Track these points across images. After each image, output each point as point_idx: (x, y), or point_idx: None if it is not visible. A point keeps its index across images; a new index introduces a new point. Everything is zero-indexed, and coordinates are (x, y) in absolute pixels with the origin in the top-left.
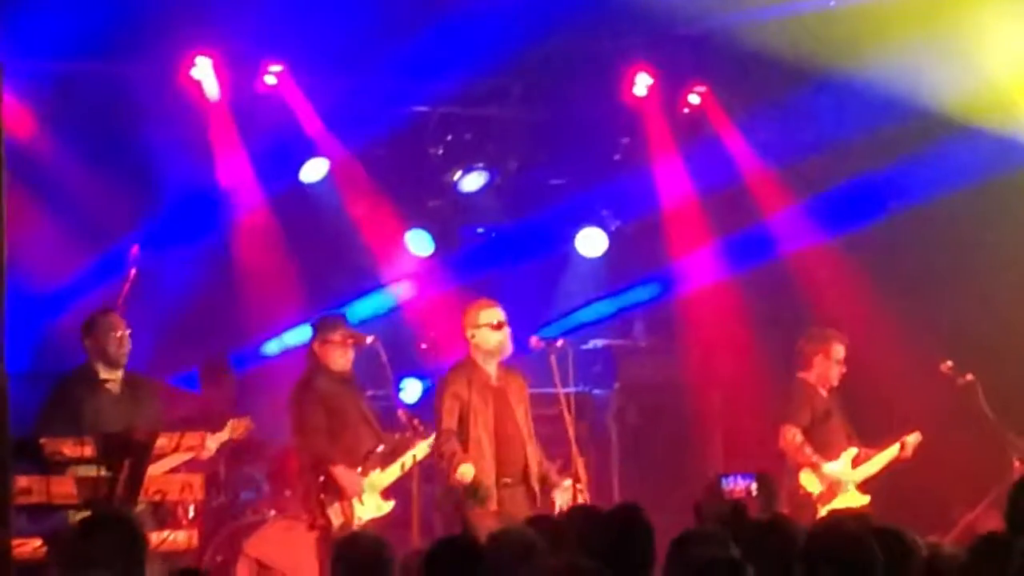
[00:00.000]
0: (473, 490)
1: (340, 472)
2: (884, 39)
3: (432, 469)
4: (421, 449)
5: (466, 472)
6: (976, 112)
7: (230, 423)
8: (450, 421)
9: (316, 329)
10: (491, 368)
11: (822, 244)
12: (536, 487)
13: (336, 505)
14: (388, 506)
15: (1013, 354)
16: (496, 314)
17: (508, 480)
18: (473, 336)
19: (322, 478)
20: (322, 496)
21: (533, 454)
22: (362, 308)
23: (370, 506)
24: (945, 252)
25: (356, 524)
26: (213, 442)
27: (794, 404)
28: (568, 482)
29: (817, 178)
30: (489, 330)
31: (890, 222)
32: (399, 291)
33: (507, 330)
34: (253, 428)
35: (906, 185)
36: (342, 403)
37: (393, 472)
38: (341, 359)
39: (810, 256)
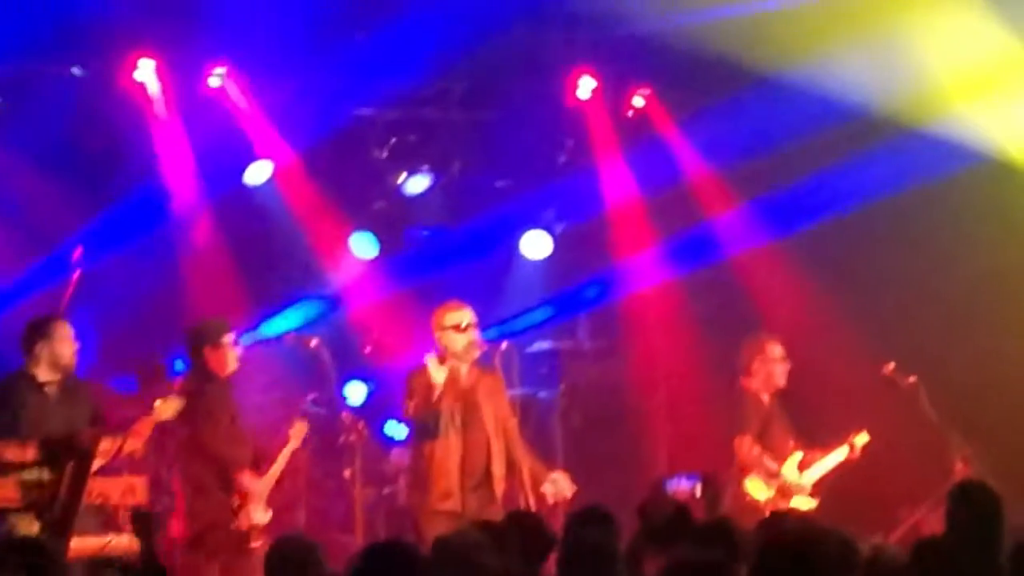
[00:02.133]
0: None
1: (246, 479)
2: (825, 41)
3: (374, 472)
4: (295, 439)
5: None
6: (916, 113)
7: (157, 404)
8: (420, 400)
9: (204, 335)
10: (460, 368)
11: (766, 246)
12: (499, 490)
13: (243, 512)
14: (268, 516)
15: (956, 355)
16: (461, 316)
17: (471, 482)
18: (440, 338)
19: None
20: (235, 502)
21: (500, 456)
22: (305, 310)
23: (259, 512)
24: (888, 253)
25: (253, 530)
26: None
27: (742, 414)
28: (556, 475)
29: (761, 180)
30: (454, 332)
31: (833, 224)
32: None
33: (474, 332)
34: (180, 406)
35: (849, 187)
36: (231, 411)
37: (270, 482)
38: (233, 363)
39: (754, 258)
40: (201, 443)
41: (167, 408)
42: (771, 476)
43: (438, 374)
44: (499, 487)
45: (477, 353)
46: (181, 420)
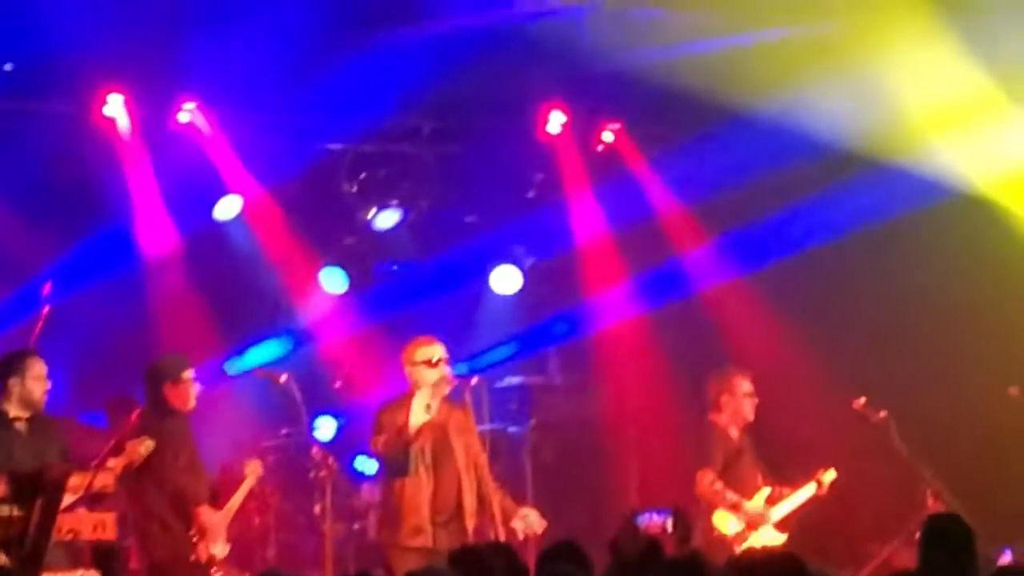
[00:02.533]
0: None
1: (205, 512)
2: (797, 76)
3: (344, 508)
4: (252, 476)
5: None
6: (888, 148)
7: (128, 445)
8: (390, 435)
9: (164, 371)
10: (431, 404)
11: (735, 281)
12: (470, 525)
13: (201, 545)
14: (227, 549)
15: (927, 390)
16: (432, 351)
17: (442, 517)
18: (411, 373)
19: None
20: (193, 535)
21: (471, 490)
22: (275, 346)
23: (219, 546)
24: (858, 288)
25: (212, 562)
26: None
27: (707, 448)
28: (526, 510)
29: (730, 215)
30: (426, 367)
31: (803, 258)
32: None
33: (445, 367)
34: (152, 447)
35: (819, 221)
36: (188, 445)
37: (228, 515)
38: (193, 399)
39: (724, 293)
40: (160, 477)
41: (140, 448)
42: (735, 510)
43: (417, 416)
44: (470, 522)
45: (448, 388)
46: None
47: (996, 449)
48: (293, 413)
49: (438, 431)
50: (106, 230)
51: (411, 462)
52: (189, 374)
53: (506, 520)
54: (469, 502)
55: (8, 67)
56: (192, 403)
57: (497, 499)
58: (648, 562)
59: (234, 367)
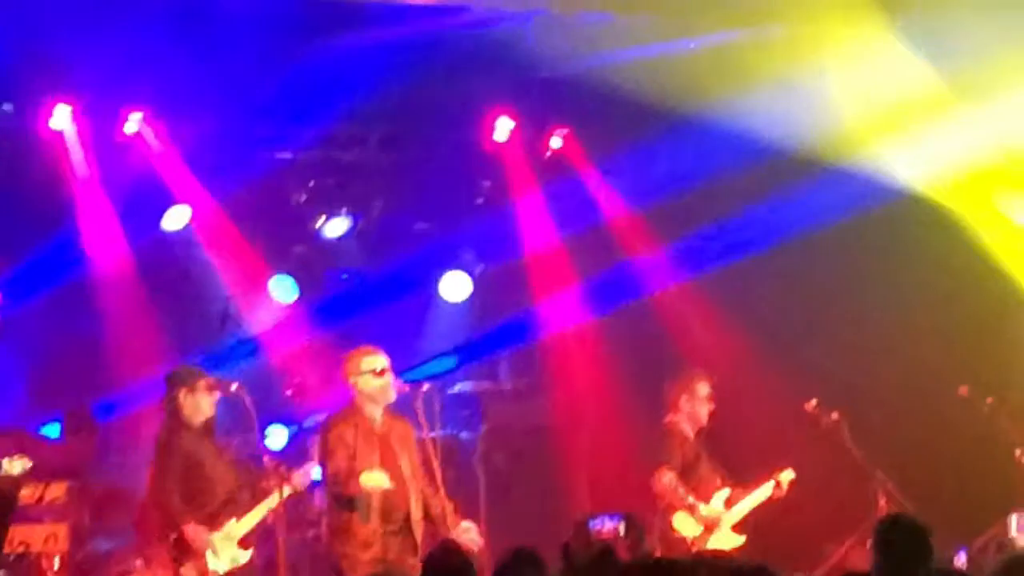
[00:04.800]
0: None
1: (189, 530)
2: (744, 81)
3: (299, 517)
4: (280, 493)
5: (371, 478)
6: (833, 151)
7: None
8: (340, 461)
9: (178, 380)
10: (375, 414)
11: (685, 284)
12: (418, 535)
13: (189, 563)
14: (246, 556)
15: (878, 391)
16: (378, 361)
17: (391, 527)
18: (356, 383)
19: (174, 537)
20: (175, 555)
21: (418, 500)
22: (225, 355)
23: (225, 558)
24: (807, 291)
25: None
26: None
27: (665, 448)
28: (466, 523)
29: (680, 219)
30: (372, 376)
31: (752, 261)
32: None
33: (390, 376)
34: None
35: (768, 224)
36: (202, 457)
37: (251, 520)
38: (208, 408)
39: (674, 297)
40: (151, 490)
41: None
42: (691, 510)
43: (373, 482)
44: (418, 531)
45: (393, 397)
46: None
47: (948, 449)
48: (244, 421)
49: (384, 442)
50: (55, 241)
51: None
52: (203, 383)
53: (447, 532)
54: (416, 511)
55: None
56: (204, 413)
57: (442, 507)
58: (601, 567)
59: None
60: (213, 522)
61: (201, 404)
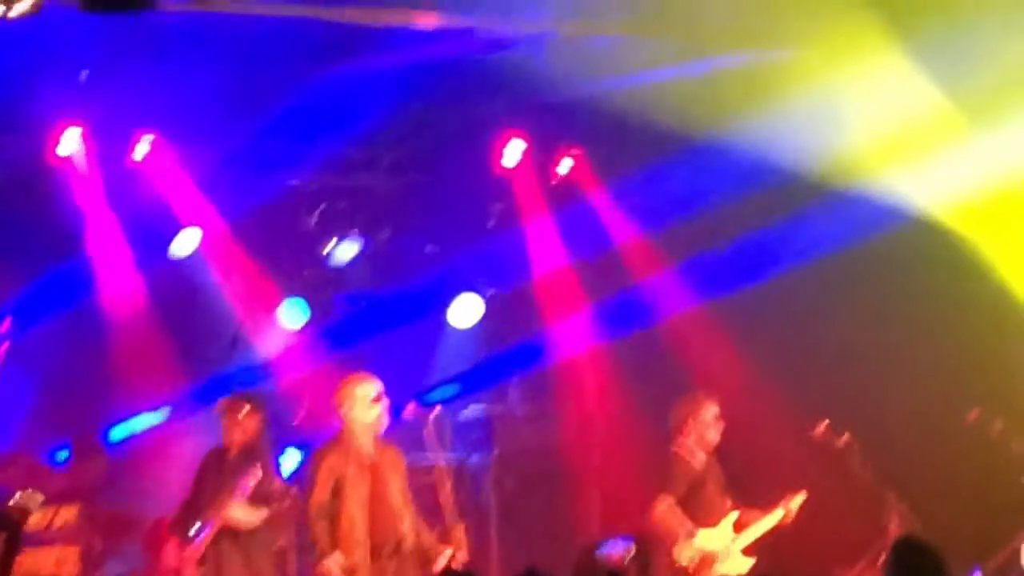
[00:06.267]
0: None
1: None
2: (754, 104)
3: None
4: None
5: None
6: (845, 174)
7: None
8: (322, 494)
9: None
10: (366, 442)
11: (696, 309)
12: (413, 560)
13: None
14: None
15: (888, 413)
16: (373, 388)
17: (387, 550)
18: (350, 411)
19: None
20: None
21: (410, 527)
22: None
23: None
24: (818, 314)
25: None
26: None
27: (668, 475)
28: (449, 551)
29: (690, 242)
30: (366, 405)
31: (763, 285)
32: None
33: (384, 403)
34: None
35: (779, 248)
36: (223, 483)
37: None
38: (236, 434)
39: (685, 321)
40: None
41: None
42: (691, 537)
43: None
44: (411, 556)
45: (385, 425)
46: None
47: (958, 472)
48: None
49: (375, 470)
50: (64, 265)
51: (343, 502)
52: (243, 410)
53: (429, 560)
54: (409, 536)
55: None
56: (235, 438)
57: (425, 535)
58: None
59: (195, 401)
60: None
61: (234, 430)
